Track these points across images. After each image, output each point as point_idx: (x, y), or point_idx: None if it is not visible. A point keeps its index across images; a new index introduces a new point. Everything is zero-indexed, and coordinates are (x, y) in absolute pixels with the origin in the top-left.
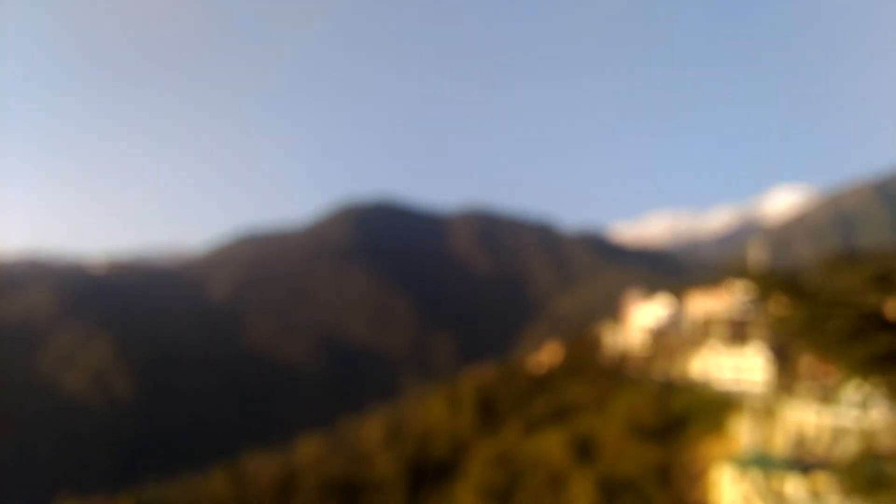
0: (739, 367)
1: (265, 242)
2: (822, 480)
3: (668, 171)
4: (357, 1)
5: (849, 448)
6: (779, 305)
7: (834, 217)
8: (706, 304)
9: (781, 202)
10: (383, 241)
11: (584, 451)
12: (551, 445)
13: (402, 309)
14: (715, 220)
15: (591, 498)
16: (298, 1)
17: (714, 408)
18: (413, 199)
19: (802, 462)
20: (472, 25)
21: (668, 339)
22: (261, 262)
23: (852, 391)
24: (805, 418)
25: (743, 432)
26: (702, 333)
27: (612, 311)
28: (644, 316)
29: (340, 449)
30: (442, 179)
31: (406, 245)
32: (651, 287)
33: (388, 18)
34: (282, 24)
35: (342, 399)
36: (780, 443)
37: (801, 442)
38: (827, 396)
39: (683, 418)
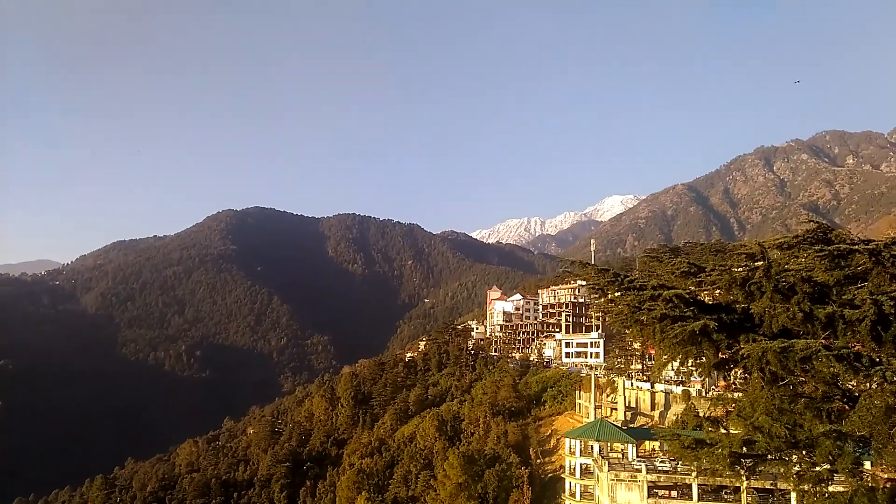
0: (583, 349)
1: (137, 251)
2: (653, 445)
3: (520, 185)
4: (231, 8)
5: (674, 415)
6: (609, 295)
7: (655, 214)
8: (555, 294)
9: (613, 207)
10: (260, 246)
11: (453, 433)
12: (423, 430)
13: (281, 311)
14: (560, 222)
15: (459, 474)
16: (167, 7)
17: (563, 386)
18: (289, 206)
19: (637, 429)
20: (343, 32)
21: (524, 327)
22: (133, 270)
23: (675, 366)
24: (639, 391)
25: (587, 406)
26: (552, 320)
27: (475, 304)
28: (503, 307)
29: (220, 451)
30: (318, 186)
31: (283, 249)
32: (508, 282)
33: (265, 24)
34: (155, 30)
35: (222, 403)
36: (619, 414)
37: (636, 412)
38: (654, 372)
39: (538, 397)
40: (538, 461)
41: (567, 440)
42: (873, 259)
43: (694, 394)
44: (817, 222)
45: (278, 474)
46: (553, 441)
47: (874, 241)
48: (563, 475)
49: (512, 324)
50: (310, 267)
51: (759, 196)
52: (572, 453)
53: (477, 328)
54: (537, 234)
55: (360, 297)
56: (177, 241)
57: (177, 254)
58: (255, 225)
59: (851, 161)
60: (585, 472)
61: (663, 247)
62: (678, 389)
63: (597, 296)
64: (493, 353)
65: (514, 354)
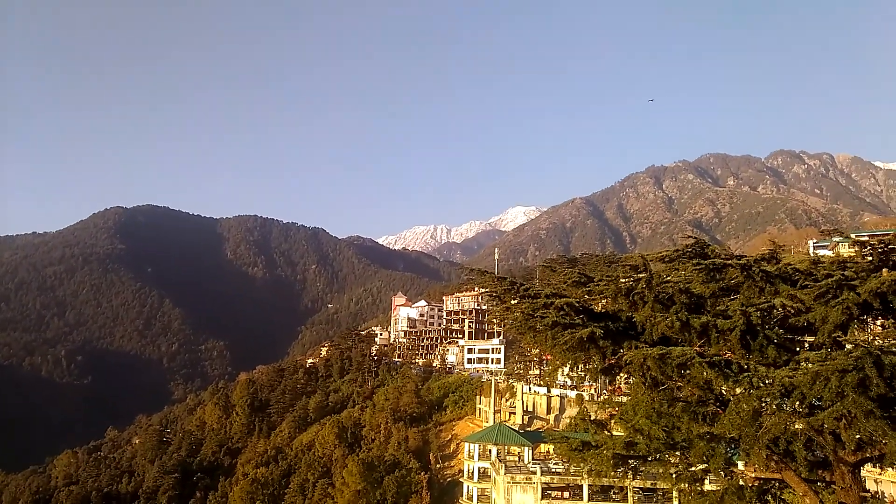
0: (485, 355)
1: (14, 248)
2: (548, 447)
3: (428, 192)
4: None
5: (568, 418)
6: (506, 303)
7: (555, 226)
8: (459, 301)
9: (517, 217)
10: (152, 246)
11: (353, 440)
12: (322, 438)
13: (173, 315)
14: (466, 230)
15: (358, 481)
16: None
17: (465, 392)
18: (185, 205)
19: (533, 433)
20: (242, 21)
21: (428, 334)
22: (9, 268)
23: (566, 371)
24: (536, 396)
25: (487, 411)
26: (456, 327)
27: (380, 310)
28: (408, 313)
29: (102, 463)
30: (217, 186)
31: (178, 250)
32: (414, 288)
33: (150, 13)
34: (41, 26)
35: (105, 412)
36: (517, 418)
37: (533, 415)
38: (547, 377)
39: (440, 402)
40: (438, 466)
41: (466, 444)
42: (744, 273)
43: (587, 398)
44: (696, 238)
45: (165, 486)
46: (453, 446)
47: (746, 256)
48: (461, 479)
49: (416, 330)
50: (206, 269)
51: (650, 212)
52: (471, 457)
53: (381, 334)
54: (443, 242)
55: (261, 301)
56: (59, 238)
57: (58, 252)
58: (147, 224)
59: (732, 182)
60: (483, 475)
61: (562, 257)
62: (572, 394)
63: (494, 303)
64: (397, 359)
65: (417, 360)
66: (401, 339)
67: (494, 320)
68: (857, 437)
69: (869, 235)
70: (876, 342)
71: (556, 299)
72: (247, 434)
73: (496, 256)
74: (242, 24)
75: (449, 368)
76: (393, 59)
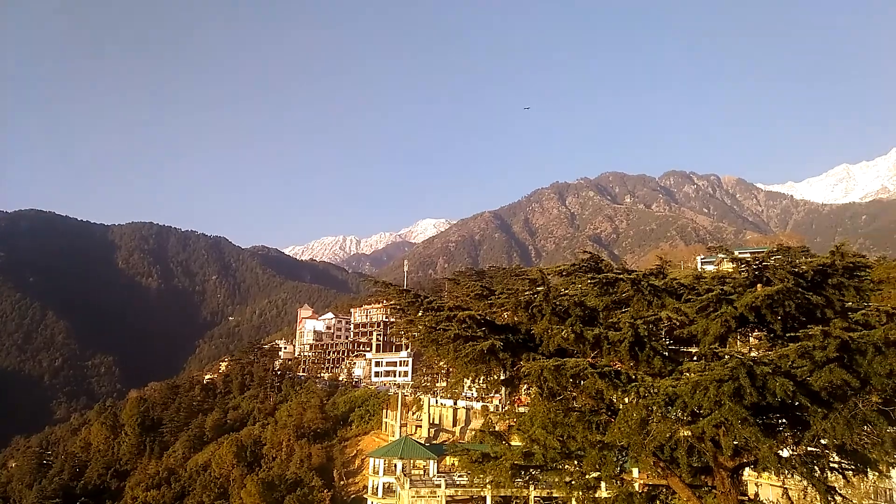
0: (393, 368)
1: None
2: (454, 460)
3: (338, 203)
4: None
5: (473, 430)
6: (411, 315)
7: (464, 238)
8: (367, 314)
9: (427, 230)
10: (34, 254)
11: (253, 458)
12: (219, 457)
13: (57, 329)
14: (376, 242)
15: (257, 502)
16: None
17: (371, 406)
18: (73, 210)
19: (439, 446)
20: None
21: (335, 347)
22: None
23: (470, 383)
24: (442, 408)
25: (394, 424)
26: (364, 340)
27: (284, 323)
28: (314, 326)
29: None
30: (108, 191)
31: (63, 259)
32: (321, 300)
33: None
34: None
35: None
36: (423, 431)
37: (439, 428)
38: (449, 389)
39: (345, 417)
40: (342, 483)
41: (371, 460)
42: (634, 287)
43: (492, 409)
44: (591, 253)
45: None
46: (358, 461)
47: (636, 271)
48: (365, 495)
49: (322, 343)
50: (95, 280)
51: (554, 227)
52: (376, 472)
53: (285, 347)
54: (353, 253)
55: (155, 314)
56: None
57: None
58: (30, 230)
59: (629, 200)
60: (388, 490)
61: (470, 270)
62: (478, 405)
63: (398, 316)
64: (302, 374)
65: (323, 374)
66: (306, 353)
67: (396, 332)
68: (735, 442)
69: (750, 253)
70: (752, 353)
71: (458, 312)
72: (136, 455)
73: (406, 268)
74: (128, 27)
75: (356, 382)
76: (299, 63)
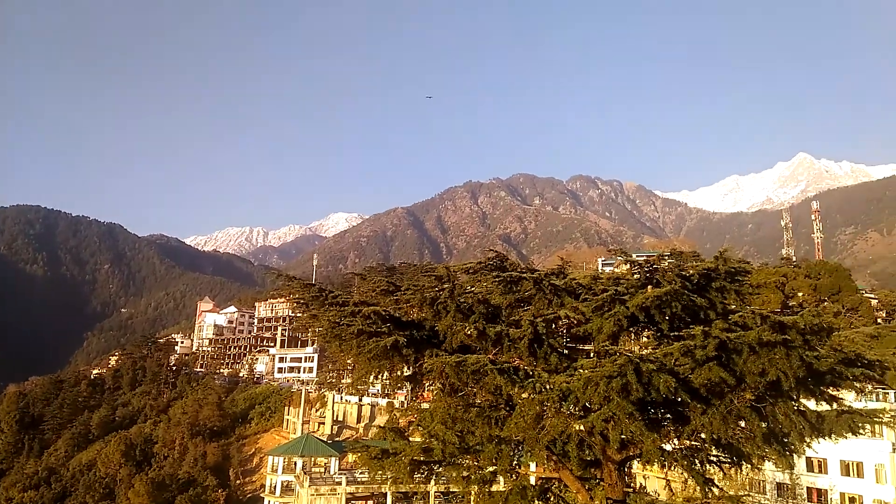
0: (298, 364)
1: None
2: (356, 456)
3: (245, 192)
4: None
5: (377, 427)
6: (316, 310)
7: (376, 234)
8: (273, 308)
9: (338, 224)
10: None
11: (143, 457)
12: (106, 456)
13: None
14: (285, 234)
15: (146, 502)
16: None
17: (273, 403)
18: None
19: (341, 443)
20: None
21: (237, 342)
22: None
23: (373, 378)
24: (347, 405)
25: (295, 422)
26: (268, 335)
27: (183, 317)
28: (215, 320)
29: None
30: None
31: None
32: (224, 293)
33: None
34: None
35: None
36: (326, 428)
37: (343, 425)
38: (351, 385)
39: (245, 415)
40: (238, 482)
41: (270, 458)
42: (536, 286)
43: (398, 405)
44: (496, 252)
45: None
46: (256, 460)
47: (538, 271)
48: (263, 494)
49: (223, 338)
50: None
51: (466, 225)
52: (274, 471)
53: (182, 342)
54: (260, 245)
55: (40, 304)
56: None
57: None
58: None
59: (538, 202)
60: (287, 489)
61: (381, 265)
62: (384, 402)
63: (302, 311)
64: (200, 370)
65: (222, 370)
66: (205, 348)
67: (305, 328)
68: (622, 436)
69: (646, 256)
70: (642, 351)
71: (363, 307)
72: (13, 454)
73: (315, 262)
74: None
75: (257, 378)
76: (206, 46)
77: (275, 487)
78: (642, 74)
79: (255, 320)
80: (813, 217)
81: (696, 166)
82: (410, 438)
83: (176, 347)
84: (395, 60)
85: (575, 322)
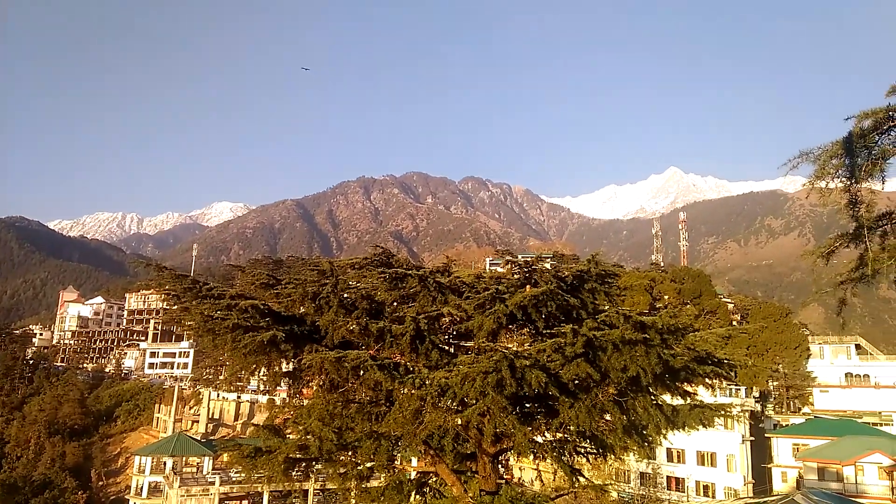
0: (171, 360)
1: None
2: (228, 455)
3: (117, 175)
4: None
5: (254, 425)
6: (188, 303)
7: (263, 225)
8: (145, 299)
9: (222, 213)
10: None
11: None
12: None
13: None
14: (162, 222)
15: None
16: None
17: (142, 400)
18: None
19: (214, 442)
20: None
21: (104, 335)
22: None
23: (253, 375)
24: (224, 402)
25: (166, 420)
26: (139, 328)
27: (43, 306)
28: (79, 311)
29: None
30: None
31: None
32: (91, 282)
33: None
34: None
35: None
36: (200, 426)
37: (219, 423)
38: (225, 381)
39: (111, 412)
40: (100, 483)
41: (137, 458)
42: (421, 283)
43: (279, 403)
44: (382, 248)
45: None
46: (122, 460)
47: (424, 268)
48: (128, 496)
49: (88, 330)
50: None
51: (357, 220)
52: (142, 471)
53: (41, 334)
54: (133, 233)
55: None
56: None
57: None
58: None
59: (431, 200)
60: (155, 490)
61: (267, 258)
62: (264, 399)
63: (173, 303)
64: (61, 364)
65: (86, 365)
66: (67, 341)
67: (182, 322)
68: (496, 430)
69: (531, 257)
70: (519, 348)
71: (240, 301)
72: None
73: (194, 252)
74: None
75: (125, 374)
76: (84, 21)
77: (141, 489)
78: (535, 83)
79: (125, 312)
80: (680, 227)
81: (579, 175)
82: (290, 436)
83: (34, 340)
84: (291, 53)
85: (458, 319)
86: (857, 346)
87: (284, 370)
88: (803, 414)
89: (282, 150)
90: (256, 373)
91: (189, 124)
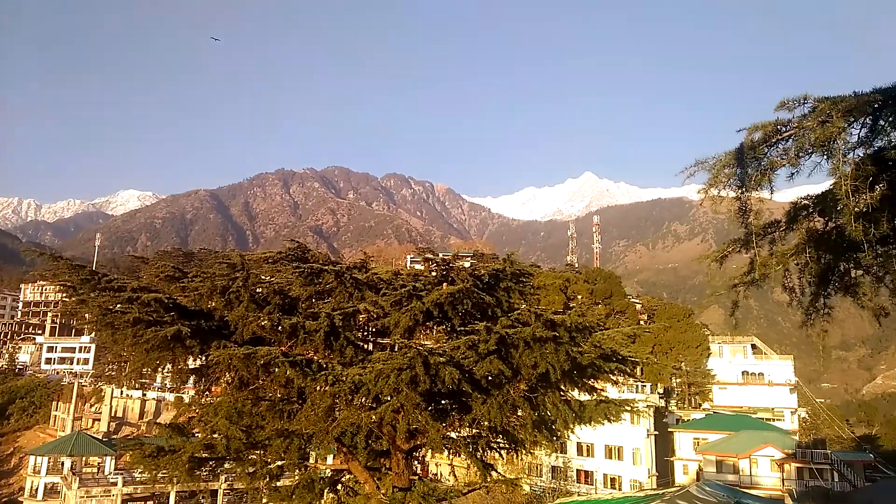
0: (70, 355)
1: None
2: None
3: (12, 159)
4: None
5: (161, 423)
6: (86, 295)
7: (173, 216)
8: (42, 291)
9: (129, 202)
10: None
11: None
12: None
13: None
14: (62, 209)
15: None
16: None
17: (38, 397)
18: None
19: (117, 440)
20: None
21: None
22: None
23: (157, 372)
24: (128, 400)
25: (65, 418)
26: (35, 321)
27: None
28: None
29: None
30: None
31: None
32: None
33: None
34: None
35: None
36: (102, 425)
37: (122, 422)
38: (125, 378)
39: (3, 410)
40: None
41: (32, 458)
42: (338, 279)
43: (187, 400)
44: (298, 242)
45: None
46: (15, 460)
47: (341, 263)
48: (21, 498)
49: None
50: None
51: (275, 214)
52: (37, 472)
53: None
54: (30, 220)
55: None
56: None
57: None
58: None
59: (352, 196)
60: (52, 491)
61: (178, 250)
62: (171, 396)
63: (69, 295)
64: None
65: None
66: None
67: (78, 315)
68: (410, 426)
69: (450, 255)
70: (434, 345)
71: (143, 294)
72: None
73: (97, 242)
74: None
75: (19, 370)
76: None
77: (36, 490)
78: (459, 85)
79: (21, 304)
80: (594, 229)
81: (500, 176)
82: (198, 434)
83: None
84: (205, 30)
85: (374, 316)
86: (753, 346)
87: (191, 367)
88: (703, 409)
89: (195, 137)
90: (161, 369)
91: (92, 104)
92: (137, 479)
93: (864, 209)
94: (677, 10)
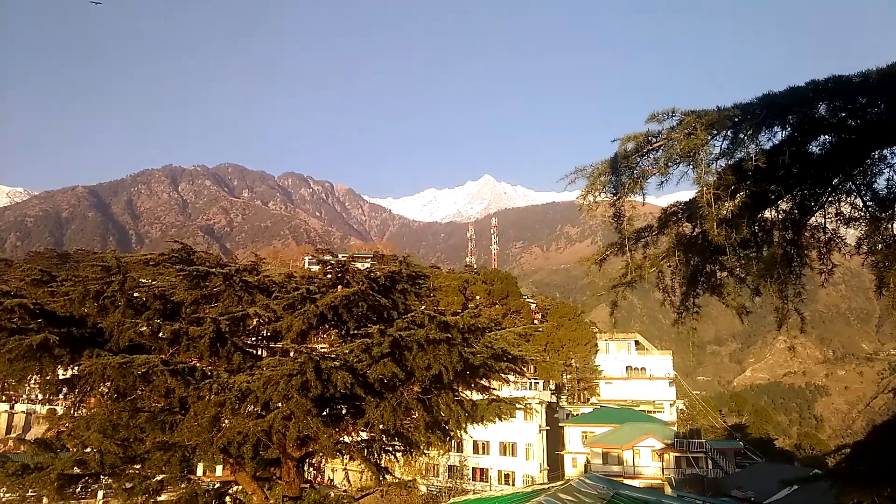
0: None
1: None
2: None
3: None
4: None
5: (34, 437)
6: None
7: (47, 214)
8: None
9: None
10: None
11: None
12: None
13: None
14: None
15: None
16: None
17: None
18: None
19: None
20: None
21: None
22: None
23: (21, 383)
24: None
25: None
26: None
27: None
28: None
29: None
30: None
31: None
32: None
33: None
34: None
35: None
36: None
37: None
38: (9, 390)
39: None
40: None
41: None
42: (226, 282)
43: (61, 412)
44: (182, 244)
45: None
46: None
47: (230, 265)
48: None
49: None
50: None
51: (162, 212)
52: None
53: None
54: None
55: None
56: None
57: None
58: None
59: (247, 195)
60: None
61: (51, 251)
62: (43, 409)
63: None
64: None
65: None
66: None
67: None
68: (301, 434)
69: (348, 256)
70: (330, 349)
71: (5, 299)
72: None
73: None
74: None
75: None
76: None
77: None
78: (361, 86)
79: None
80: (492, 231)
81: (401, 177)
82: (70, 450)
83: None
84: (89, 17)
85: (266, 320)
86: (637, 343)
87: (62, 377)
88: (591, 404)
89: (71, 130)
90: (26, 381)
91: None
92: (3, 499)
93: (726, 215)
94: (573, 15)
